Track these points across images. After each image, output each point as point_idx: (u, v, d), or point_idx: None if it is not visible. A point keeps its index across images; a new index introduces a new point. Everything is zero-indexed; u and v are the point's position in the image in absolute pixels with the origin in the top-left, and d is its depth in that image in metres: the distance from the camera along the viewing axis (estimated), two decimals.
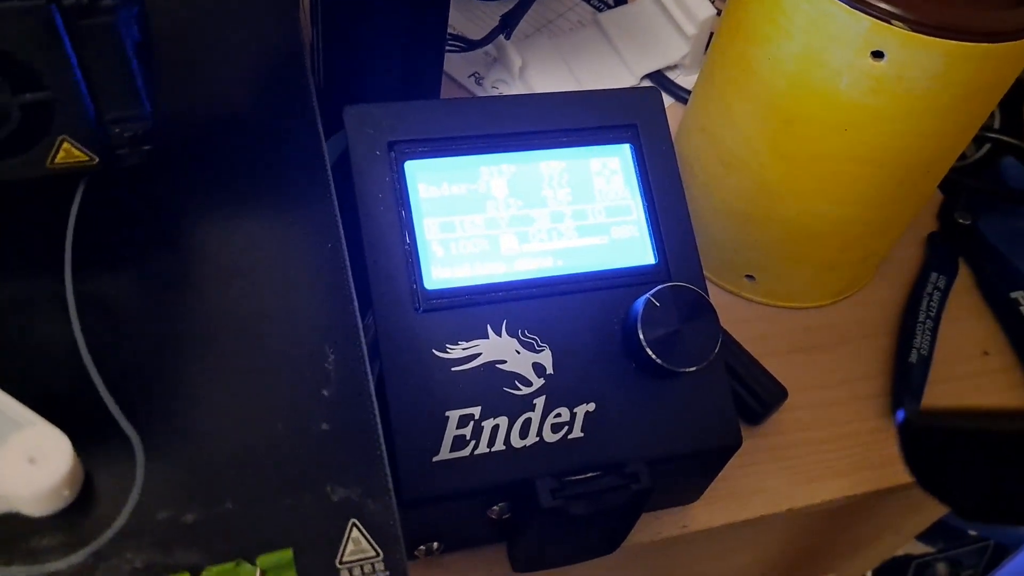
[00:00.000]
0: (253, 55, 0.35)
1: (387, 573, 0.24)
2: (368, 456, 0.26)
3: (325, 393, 0.26)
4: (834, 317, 0.49)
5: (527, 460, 0.32)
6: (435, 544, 0.35)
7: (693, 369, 0.33)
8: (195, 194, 0.30)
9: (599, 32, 0.58)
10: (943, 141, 0.40)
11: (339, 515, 0.25)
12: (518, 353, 0.33)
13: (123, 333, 0.27)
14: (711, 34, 0.56)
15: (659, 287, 0.33)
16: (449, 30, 0.50)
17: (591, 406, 0.33)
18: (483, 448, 0.32)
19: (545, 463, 0.32)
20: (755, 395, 0.42)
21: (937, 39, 0.34)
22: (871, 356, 0.48)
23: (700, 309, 0.33)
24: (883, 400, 0.46)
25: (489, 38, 0.55)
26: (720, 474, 0.38)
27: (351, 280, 0.29)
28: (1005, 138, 0.57)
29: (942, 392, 0.46)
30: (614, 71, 0.57)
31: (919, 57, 0.35)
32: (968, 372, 0.48)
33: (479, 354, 0.33)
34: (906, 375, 0.46)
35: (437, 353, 0.32)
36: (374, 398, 0.27)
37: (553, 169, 0.36)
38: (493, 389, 0.32)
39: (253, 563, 0.24)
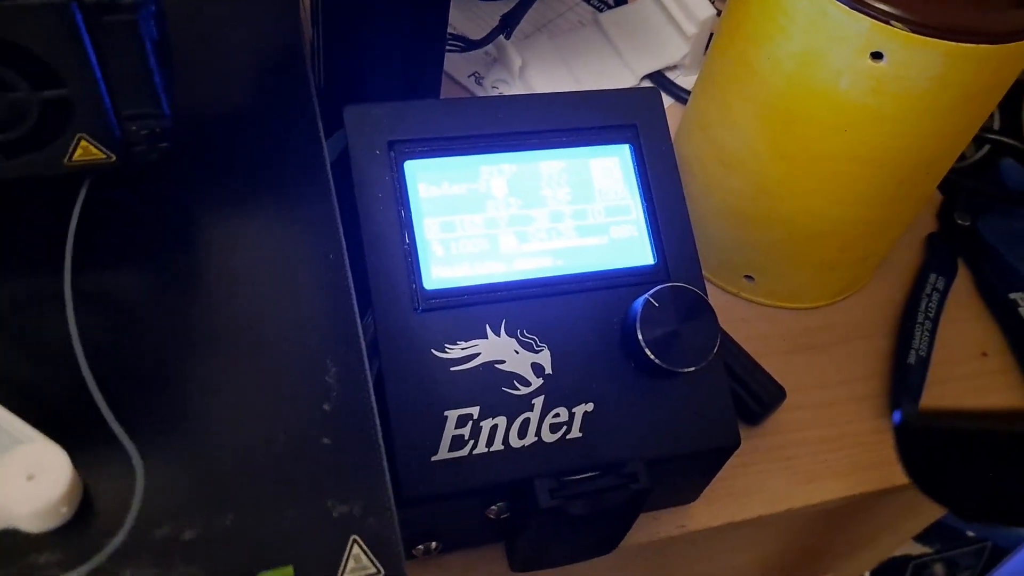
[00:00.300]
0: (253, 54, 0.35)
1: None
2: (369, 471, 0.25)
3: (326, 407, 0.26)
4: (833, 317, 0.49)
5: (526, 460, 0.32)
6: (433, 544, 0.35)
7: (692, 369, 0.33)
8: (195, 194, 0.30)
9: (599, 32, 0.58)
10: (942, 142, 0.40)
11: (340, 531, 0.24)
12: (517, 353, 0.33)
13: (123, 346, 0.26)
14: (711, 34, 0.56)
15: (658, 287, 0.33)
16: (449, 30, 0.50)
17: (590, 406, 0.33)
18: (482, 448, 0.32)
19: (543, 463, 0.32)
20: (754, 395, 0.42)
21: (936, 40, 0.34)
22: (870, 356, 0.48)
23: (699, 309, 0.33)
24: (882, 400, 0.46)
25: (489, 38, 0.55)
26: (719, 474, 0.38)
27: (353, 293, 0.28)
28: (1005, 139, 0.57)
29: (941, 393, 0.46)
30: (614, 71, 0.57)
31: (918, 58, 0.35)
32: (967, 373, 0.48)
33: (478, 354, 0.33)
34: (905, 376, 0.46)
35: (436, 353, 0.32)
36: (376, 412, 0.26)
37: (553, 169, 0.36)
38: (492, 389, 0.32)
39: None
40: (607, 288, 0.35)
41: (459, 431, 0.32)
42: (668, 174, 0.37)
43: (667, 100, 0.56)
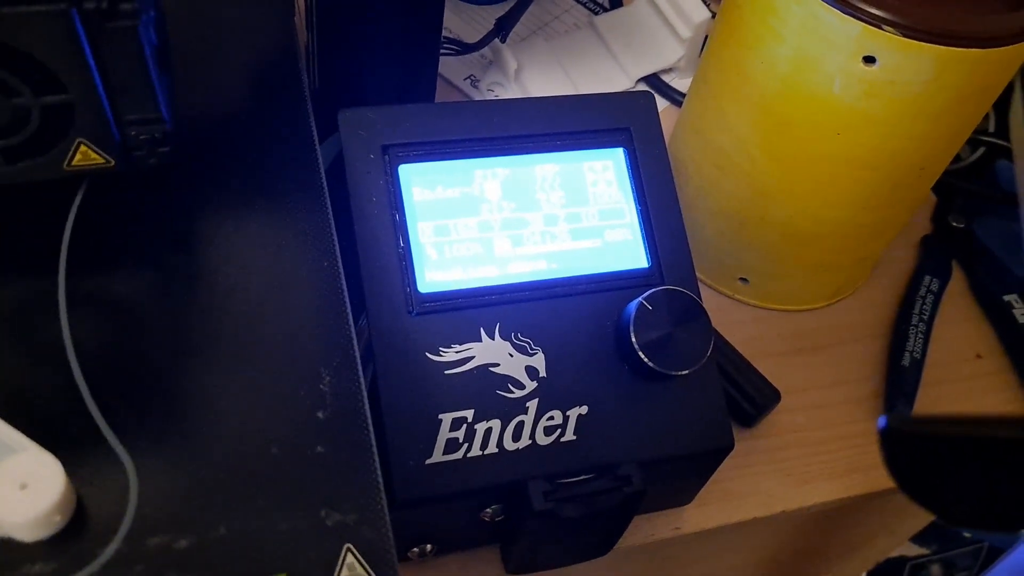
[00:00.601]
0: (248, 58, 0.35)
1: None
2: (363, 480, 0.25)
3: (320, 415, 0.26)
4: (827, 320, 0.49)
5: (520, 463, 0.32)
6: (428, 546, 0.35)
7: (685, 372, 0.33)
8: (189, 199, 0.30)
9: (595, 35, 0.58)
10: (936, 145, 0.40)
11: (334, 540, 0.24)
12: (511, 356, 0.33)
13: (116, 354, 0.26)
14: (706, 37, 0.56)
15: (652, 290, 0.34)
16: (444, 33, 0.51)
17: (584, 409, 0.33)
18: (476, 451, 0.32)
19: (538, 466, 0.32)
20: (748, 397, 0.42)
21: (928, 44, 0.34)
22: (864, 359, 0.48)
23: (692, 312, 0.34)
24: (876, 402, 0.46)
25: (484, 41, 0.55)
26: (713, 476, 0.38)
27: (347, 301, 0.28)
28: (999, 141, 0.57)
29: (935, 395, 0.47)
30: (609, 74, 0.57)
31: (911, 62, 0.35)
32: (961, 375, 0.48)
33: (472, 357, 0.33)
34: (899, 378, 0.46)
35: (430, 356, 0.32)
36: (369, 420, 0.26)
37: (547, 172, 0.36)
38: (486, 392, 0.32)
39: None
40: (601, 291, 0.35)
41: (453, 434, 0.32)
42: (662, 177, 0.37)
43: (662, 103, 0.57)
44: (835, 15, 0.35)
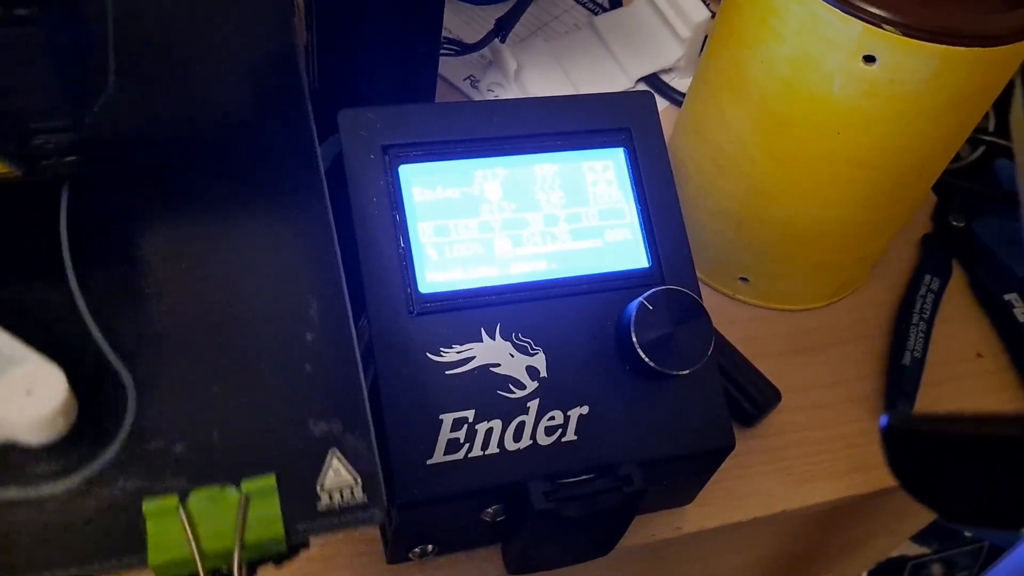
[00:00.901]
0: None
1: (364, 498, 0.26)
2: (348, 394, 0.27)
3: (308, 337, 0.27)
4: (828, 319, 0.49)
5: (521, 463, 0.32)
6: (429, 546, 0.35)
7: (686, 372, 0.33)
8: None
9: (594, 35, 0.58)
10: (936, 144, 0.40)
11: (320, 446, 0.26)
12: (512, 356, 0.33)
13: (116, 281, 0.27)
14: (706, 37, 0.56)
15: (652, 290, 0.34)
16: (444, 34, 0.51)
17: (584, 409, 0.33)
18: (477, 451, 0.32)
19: (539, 466, 0.32)
20: (749, 397, 0.42)
21: (928, 43, 0.34)
22: (865, 358, 0.48)
23: (693, 312, 0.34)
24: (877, 402, 0.46)
25: (484, 41, 0.55)
26: (714, 476, 0.38)
27: (335, 235, 0.30)
28: (999, 140, 0.57)
29: (936, 394, 0.47)
30: (609, 74, 0.57)
31: (911, 61, 0.35)
32: (961, 374, 0.48)
33: (473, 357, 0.33)
34: (899, 377, 0.46)
35: (431, 356, 0.32)
36: (355, 342, 0.28)
37: (547, 172, 0.36)
38: (487, 392, 0.32)
39: (238, 487, 0.25)
40: (601, 291, 0.35)
41: (454, 434, 0.32)
42: (662, 177, 0.37)
43: (662, 103, 0.57)
44: (835, 14, 0.35)
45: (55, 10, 0.25)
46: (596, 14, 0.60)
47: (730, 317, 0.47)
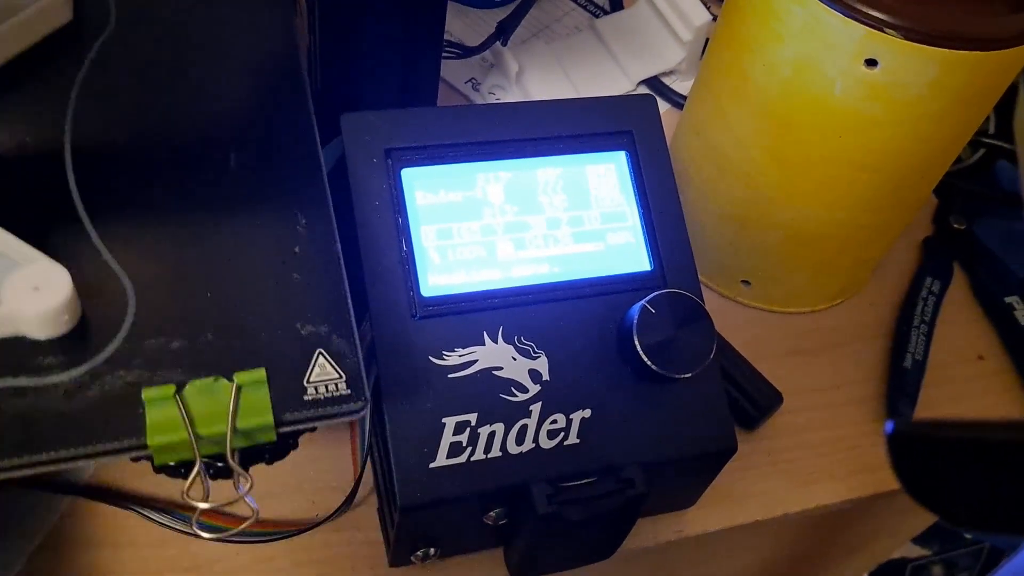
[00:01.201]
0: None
1: (348, 391, 0.28)
2: (334, 301, 0.29)
3: (297, 250, 0.30)
4: (829, 321, 0.49)
5: (523, 466, 0.32)
6: (432, 549, 0.35)
7: (688, 375, 0.33)
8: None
9: (595, 38, 0.58)
10: (937, 147, 0.40)
11: (307, 346, 0.28)
12: (514, 360, 0.33)
13: (116, 189, 0.30)
14: (707, 39, 0.56)
15: (654, 294, 0.34)
16: (446, 37, 0.51)
17: (587, 412, 0.33)
18: (479, 454, 0.32)
19: (541, 469, 0.32)
20: (751, 399, 0.42)
21: (930, 47, 0.34)
22: (866, 360, 0.48)
23: (695, 315, 0.34)
24: (878, 404, 0.46)
25: (486, 44, 0.55)
26: (716, 479, 0.38)
27: (321, 154, 0.32)
28: (999, 143, 0.57)
29: (937, 396, 0.47)
30: (611, 76, 0.57)
31: (913, 65, 0.35)
32: (963, 376, 0.48)
33: (475, 361, 0.33)
34: (901, 379, 0.46)
35: (433, 360, 0.32)
36: (340, 254, 0.30)
37: (549, 176, 0.36)
38: (489, 395, 0.32)
39: (230, 379, 0.27)
40: (604, 294, 0.35)
41: (457, 438, 0.32)
42: (664, 180, 0.37)
43: (663, 105, 0.57)
44: (837, 18, 0.35)
45: None
46: (597, 17, 0.60)
47: (732, 320, 0.47)
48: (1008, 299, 0.51)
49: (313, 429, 0.28)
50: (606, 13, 0.61)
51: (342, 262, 0.30)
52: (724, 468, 0.37)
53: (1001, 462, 0.21)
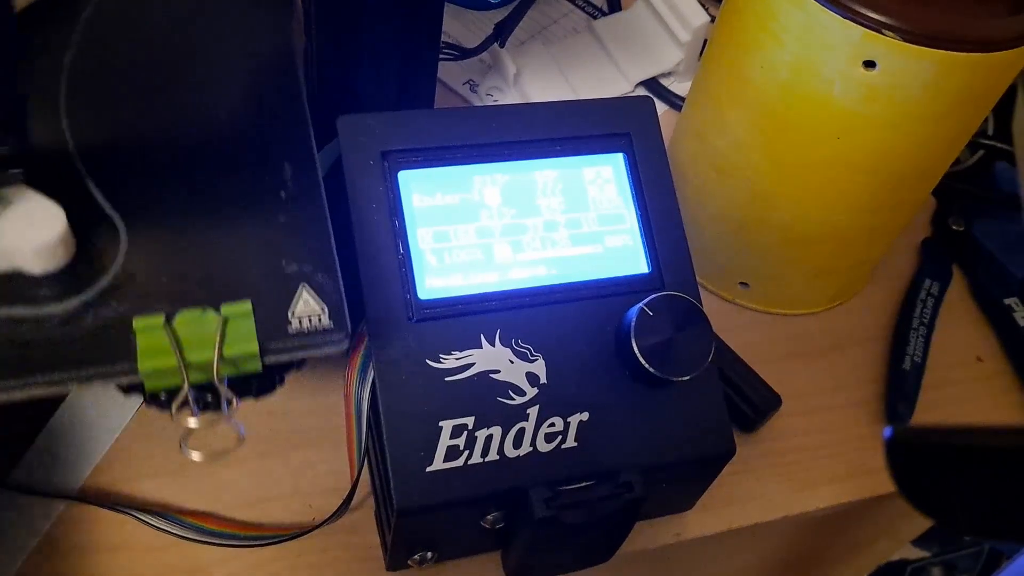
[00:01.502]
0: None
1: (331, 324, 0.29)
2: (318, 242, 0.30)
3: (283, 194, 0.31)
4: (828, 323, 0.49)
5: (521, 470, 0.32)
6: (429, 553, 0.35)
7: (687, 378, 0.33)
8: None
9: (594, 39, 0.58)
10: (936, 149, 0.40)
11: (292, 281, 0.29)
12: (512, 363, 0.33)
13: (110, 139, 0.31)
14: (705, 41, 0.56)
15: (652, 296, 0.33)
16: (443, 38, 0.51)
17: (585, 415, 0.33)
18: (476, 458, 0.32)
19: (539, 473, 0.32)
20: (749, 402, 0.42)
21: (929, 49, 0.34)
22: (865, 362, 0.48)
23: (693, 318, 0.33)
24: (877, 406, 0.46)
25: (484, 46, 0.55)
26: (715, 482, 0.38)
27: (307, 107, 0.33)
28: (998, 144, 0.57)
29: (936, 398, 0.47)
30: (609, 78, 0.57)
31: (911, 66, 0.35)
32: (962, 378, 0.48)
33: (472, 364, 0.33)
34: (900, 381, 0.46)
35: (430, 363, 0.32)
36: (324, 200, 0.31)
37: (546, 178, 0.36)
38: (487, 399, 0.32)
39: (218, 311, 0.28)
40: (601, 297, 0.35)
41: (454, 441, 0.32)
42: (662, 182, 0.37)
43: (661, 107, 0.56)
44: (835, 20, 0.35)
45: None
46: (595, 18, 0.60)
47: (730, 322, 0.47)
48: (1007, 301, 0.50)
49: (300, 367, 0.29)
50: (604, 14, 0.61)
51: (326, 207, 0.31)
52: (723, 471, 0.37)
53: (999, 468, 0.20)
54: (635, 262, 0.36)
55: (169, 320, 0.28)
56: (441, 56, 0.43)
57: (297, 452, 0.39)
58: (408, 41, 0.41)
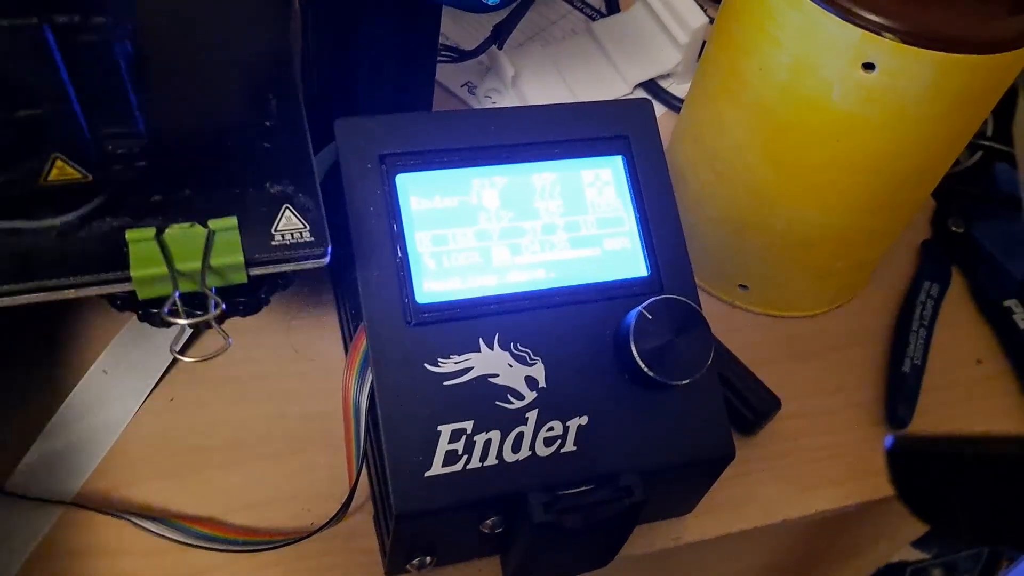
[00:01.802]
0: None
1: (312, 238, 0.31)
2: (300, 166, 0.32)
3: (267, 124, 0.33)
4: (827, 325, 0.49)
5: (520, 474, 0.32)
6: (428, 558, 0.35)
7: (686, 381, 0.33)
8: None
9: (592, 41, 0.58)
10: (935, 150, 0.40)
11: (275, 201, 0.31)
12: (510, 366, 0.33)
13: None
14: (703, 42, 0.56)
15: (651, 299, 0.33)
16: (441, 40, 0.50)
17: (584, 419, 0.33)
18: (475, 463, 0.31)
19: (538, 477, 0.32)
20: (749, 405, 0.42)
21: (928, 50, 0.34)
22: (865, 364, 0.48)
23: (693, 321, 0.33)
24: (877, 408, 0.46)
25: (482, 48, 0.55)
26: (714, 485, 0.38)
27: (293, 51, 0.35)
28: (997, 145, 0.57)
29: (936, 400, 0.46)
30: (607, 79, 0.57)
31: (910, 68, 0.35)
32: (962, 380, 0.48)
33: (471, 368, 0.32)
34: (899, 384, 0.46)
35: (429, 367, 0.32)
36: (307, 128, 0.33)
37: (545, 181, 0.36)
38: (485, 403, 0.32)
39: (205, 226, 0.30)
40: (600, 300, 0.35)
41: (452, 446, 0.31)
42: (661, 185, 0.37)
43: (660, 108, 0.56)
44: (834, 21, 0.35)
45: (124, 16, 0.27)
46: (593, 19, 0.60)
47: (729, 324, 0.47)
48: (1007, 302, 0.50)
49: (284, 287, 0.32)
50: (602, 16, 0.61)
51: (308, 134, 0.33)
52: (723, 474, 0.37)
53: (1000, 476, 0.20)
54: (634, 265, 0.36)
55: (160, 232, 0.29)
56: (439, 58, 0.43)
57: (295, 456, 0.39)
58: (406, 43, 0.41)
